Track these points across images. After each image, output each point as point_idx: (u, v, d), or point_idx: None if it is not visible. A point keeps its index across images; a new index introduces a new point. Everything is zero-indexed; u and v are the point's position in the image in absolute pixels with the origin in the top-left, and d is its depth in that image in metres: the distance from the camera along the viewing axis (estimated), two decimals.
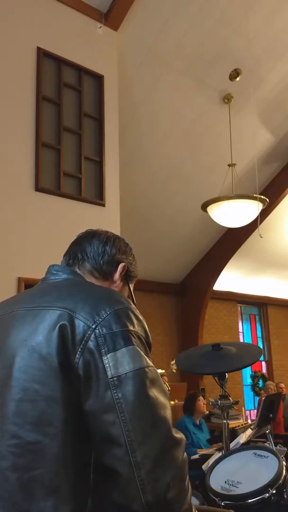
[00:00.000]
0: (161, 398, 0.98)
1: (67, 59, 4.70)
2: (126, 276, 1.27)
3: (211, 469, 2.13)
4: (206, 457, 3.42)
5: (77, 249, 1.26)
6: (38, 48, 4.48)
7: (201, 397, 5.01)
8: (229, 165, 6.13)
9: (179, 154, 6.53)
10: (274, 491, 1.85)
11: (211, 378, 2.67)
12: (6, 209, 4.05)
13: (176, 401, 6.02)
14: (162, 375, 6.18)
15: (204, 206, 5.78)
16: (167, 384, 5.90)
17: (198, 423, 4.89)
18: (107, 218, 4.78)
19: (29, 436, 0.96)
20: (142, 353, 1.00)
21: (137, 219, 6.76)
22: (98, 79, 4.94)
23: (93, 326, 0.98)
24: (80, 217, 4.48)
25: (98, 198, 4.75)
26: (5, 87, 4.23)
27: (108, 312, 1.01)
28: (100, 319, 0.99)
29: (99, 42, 4.99)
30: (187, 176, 6.86)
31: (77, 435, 0.96)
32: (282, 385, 7.57)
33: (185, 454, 1.01)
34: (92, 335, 0.98)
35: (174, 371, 6.37)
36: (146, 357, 1.00)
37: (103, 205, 4.76)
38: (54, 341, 0.98)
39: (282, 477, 1.91)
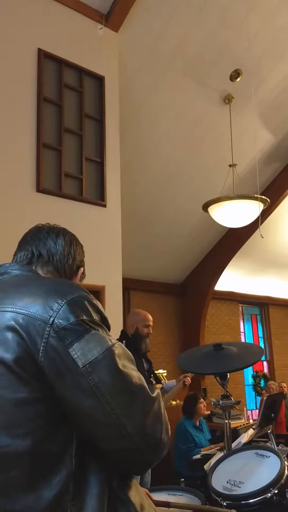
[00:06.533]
0: (130, 366, 1.02)
1: (68, 61, 4.71)
2: (80, 279, 1.28)
3: (213, 469, 2.13)
4: (208, 457, 3.42)
5: (41, 247, 1.23)
6: (39, 50, 4.48)
7: (201, 399, 4.92)
8: (230, 166, 6.13)
9: (180, 154, 6.53)
10: (276, 491, 1.85)
11: (212, 378, 2.67)
12: (7, 210, 4.06)
13: (178, 401, 6.01)
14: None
15: (205, 207, 5.77)
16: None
17: (198, 424, 4.83)
18: (108, 219, 4.79)
19: (0, 441, 0.95)
20: (104, 335, 1.00)
21: (138, 219, 6.76)
22: (99, 80, 4.94)
23: (50, 321, 0.96)
24: (81, 218, 4.48)
25: (99, 199, 4.75)
26: (6, 88, 4.24)
27: (61, 304, 0.99)
28: (55, 313, 0.97)
29: (99, 43, 5.00)
30: (188, 177, 6.86)
31: (50, 429, 0.96)
32: (284, 384, 7.57)
33: (162, 403, 1.06)
34: (51, 331, 0.96)
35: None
36: (108, 337, 1.01)
37: (104, 205, 4.76)
38: (10, 344, 0.95)
39: (284, 477, 1.92)
